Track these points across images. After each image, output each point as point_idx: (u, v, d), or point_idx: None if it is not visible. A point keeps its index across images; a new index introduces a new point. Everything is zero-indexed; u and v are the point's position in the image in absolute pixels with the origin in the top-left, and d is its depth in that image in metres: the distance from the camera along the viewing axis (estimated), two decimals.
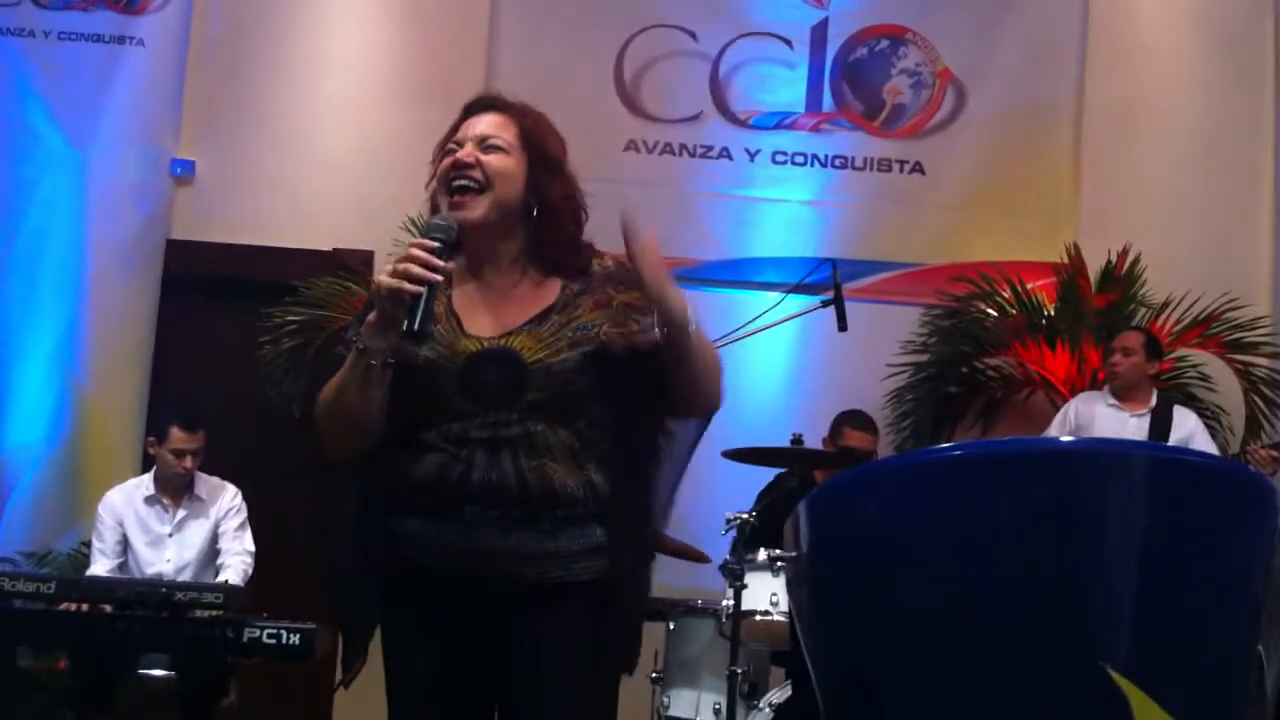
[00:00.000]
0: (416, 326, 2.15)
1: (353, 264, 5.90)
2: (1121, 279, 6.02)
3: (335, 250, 6.09)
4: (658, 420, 2.37)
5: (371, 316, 2.22)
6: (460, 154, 2.33)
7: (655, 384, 2.31)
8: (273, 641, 3.51)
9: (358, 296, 5.40)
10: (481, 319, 2.33)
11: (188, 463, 4.96)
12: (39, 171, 6.16)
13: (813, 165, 6.43)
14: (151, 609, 3.53)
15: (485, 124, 2.36)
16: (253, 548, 5.01)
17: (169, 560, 4.95)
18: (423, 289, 2.16)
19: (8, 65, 6.21)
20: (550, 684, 2.27)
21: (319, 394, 2.33)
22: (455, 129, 2.39)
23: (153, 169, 6.20)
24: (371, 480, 2.34)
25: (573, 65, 6.29)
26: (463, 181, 2.31)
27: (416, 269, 2.17)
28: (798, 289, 4.85)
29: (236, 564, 4.94)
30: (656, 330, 2.24)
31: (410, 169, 2.45)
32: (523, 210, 2.34)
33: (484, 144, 2.34)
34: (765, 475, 5.11)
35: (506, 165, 2.33)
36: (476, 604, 2.30)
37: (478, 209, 2.30)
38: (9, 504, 5.97)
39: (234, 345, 5.82)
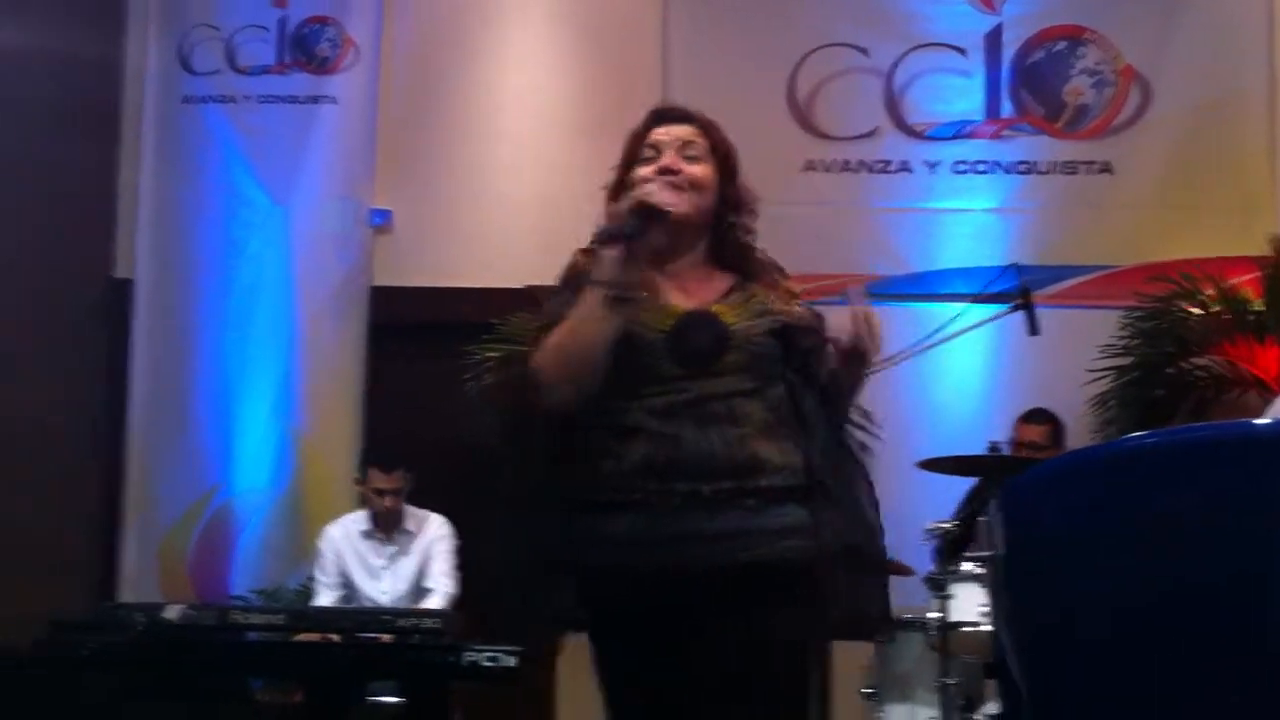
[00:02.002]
0: (631, 230, 2.35)
1: (544, 299, 6.03)
2: None
3: (527, 287, 6.26)
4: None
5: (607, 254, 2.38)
6: (665, 160, 2.47)
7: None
8: (490, 664, 3.64)
9: None
10: (674, 296, 2.47)
11: (387, 502, 5.19)
12: (246, 230, 6.45)
13: (995, 173, 6.35)
14: (376, 636, 3.69)
15: (681, 131, 2.51)
16: (454, 573, 5.17)
17: (384, 592, 5.19)
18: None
19: (214, 131, 6.53)
20: (762, 681, 2.31)
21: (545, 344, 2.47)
22: (643, 134, 2.53)
23: (352, 220, 6.44)
24: (565, 476, 2.43)
25: (746, 91, 6.32)
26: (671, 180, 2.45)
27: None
28: (982, 298, 4.81)
29: (442, 585, 5.14)
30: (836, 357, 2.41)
31: (594, 202, 2.56)
32: (712, 216, 2.50)
33: (682, 150, 2.48)
34: (962, 486, 5.08)
35: (706, 173, 2.49)
36: (682, 602, 2.32)
37: (685, 204, 2.45)
38: (238, 546, 6.28)
39: (438, 384, 6.00)
